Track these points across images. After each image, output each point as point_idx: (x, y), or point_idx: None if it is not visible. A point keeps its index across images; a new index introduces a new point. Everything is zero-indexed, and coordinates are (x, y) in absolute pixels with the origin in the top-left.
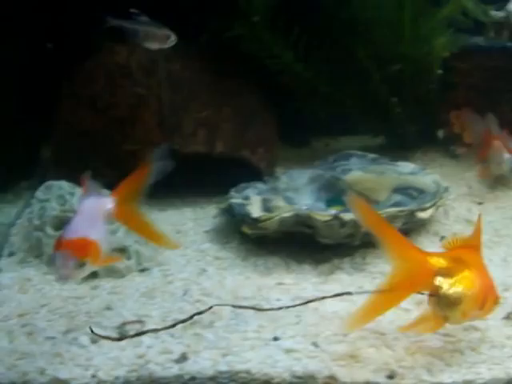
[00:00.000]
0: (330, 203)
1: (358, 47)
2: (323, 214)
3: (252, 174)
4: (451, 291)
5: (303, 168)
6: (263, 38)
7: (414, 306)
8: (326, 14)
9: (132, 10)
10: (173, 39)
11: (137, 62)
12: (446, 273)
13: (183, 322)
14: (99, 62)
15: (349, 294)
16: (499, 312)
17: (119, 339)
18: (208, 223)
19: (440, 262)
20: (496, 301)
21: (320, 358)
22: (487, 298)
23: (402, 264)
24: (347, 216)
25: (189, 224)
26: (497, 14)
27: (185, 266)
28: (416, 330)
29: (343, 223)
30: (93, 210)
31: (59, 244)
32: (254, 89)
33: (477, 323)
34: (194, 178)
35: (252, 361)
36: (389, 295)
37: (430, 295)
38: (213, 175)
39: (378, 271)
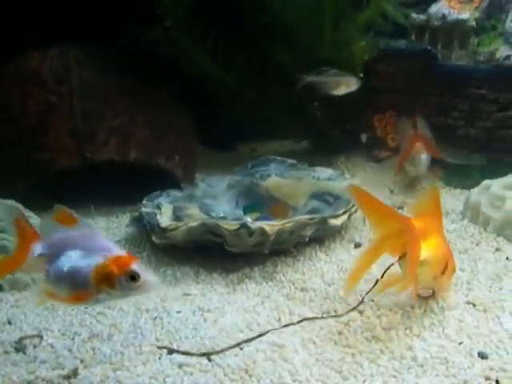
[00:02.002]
0: (247, 210)
1: (278, 51)
2: (230, 223)
3: (169, 181)
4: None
5: (228, 174)
6: (180, 42)
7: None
8: (246, 17)
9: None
10: (356, 83)
11: (49, 69)
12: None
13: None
14: (11, 68)
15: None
16: (401, 322)
17: None
18: (120, 232)
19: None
20: (454, 269)
21: (212, 372)
22: (448, 265)
23: (383, 229)
24: (254, 225)
25: (101, 233)
26: (418, 18)
27: None
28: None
29: (251, 232)
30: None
31: None
32: (170, 95)
33: (379, 333)
34: (112, 186)
35: (142, 376)
36: (371, 254)
37: (401, 257)
38: (131, 184)
39: (287, 280)
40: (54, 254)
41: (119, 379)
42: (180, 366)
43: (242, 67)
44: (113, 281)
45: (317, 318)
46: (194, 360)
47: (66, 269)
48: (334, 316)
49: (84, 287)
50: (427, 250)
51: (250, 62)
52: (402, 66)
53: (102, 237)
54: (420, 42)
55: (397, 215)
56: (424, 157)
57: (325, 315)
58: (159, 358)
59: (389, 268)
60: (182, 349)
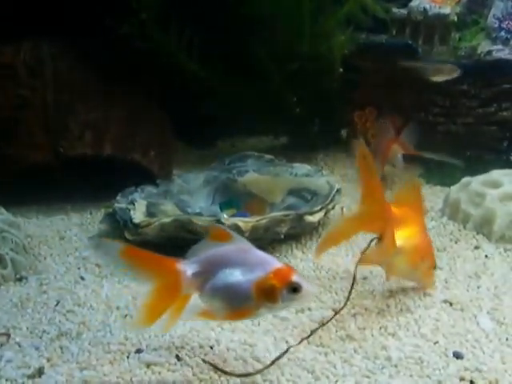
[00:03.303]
0: (223, 206)
1: (257, 45)
2: (204, 219)
3: (145, 177)
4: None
5: (206, 170)
6: (155, 36)
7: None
8: (224, 10)
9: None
10: (457, 72)
11: (22, 63)
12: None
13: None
14: None
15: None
16: (376, 321)
17: None
18: (94, 229)
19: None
20: (433, 265)
21: (181, 371)
22: (425, 256)
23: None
24: (228, 221)
25: (74, 230)
26: (399, 12)
27: (63, 275)
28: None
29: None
30: None
31: None
32: (147, 90)
33: (353, 332)
34: (88, 183)
35: (109, 375)
36: (349, 228)
37: (379, 238)
38: (107, 180)
39: None
40: (208, 272)
41: (85, 378)
42: (148, 365)
43: (219, 62)
44: (275, 295)
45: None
46: (162, 359)
47: (224, 286)
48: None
49: (245, 303)
50: (404, 239)
51: (228, 57)
52: (382, 61)
53: (257, 250)
54: (401, 36)
55: (380, 196)
56: (400, 157)
57: (299, 313)
58: (127, 357)
59: (369, 245)
60: (151, 347)
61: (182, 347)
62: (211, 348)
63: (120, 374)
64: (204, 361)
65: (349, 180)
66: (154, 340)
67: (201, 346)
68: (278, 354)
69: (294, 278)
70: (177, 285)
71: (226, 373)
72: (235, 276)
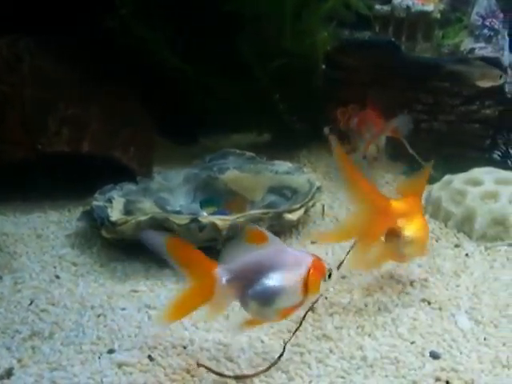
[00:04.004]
0: (204, 204)
1: (240, 42)
2: (181, 217)
3: (125, 174)
4: (409, 233)
5: (187, 167)
6: (136, 30)
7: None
8: (207, 6)
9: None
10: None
11: (0, 58)
12: (404, 216)
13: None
14: None
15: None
16: (353, 320)
17: None
18: (71, 226)
19: (400, 207)
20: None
21: (152, 372)
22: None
23: (367, 208)
24: (206, 219)
25: (51, 227)
26: (382, 9)
27: (38, 273)
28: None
29: (202, 227)
30: None
31: None
32: (128, 86)
33: (330, 332)
34: (69, 180)
35: (79, 376)
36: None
37: (388, 235)
38: (87, 177)
39: None
40: (245, 278)
41: (54, 379)
42: (120, 365)
43: (202, 58)
44: (318, 286)
45: None
46: (134, 359)
47: (271, 290)
48: None
49: (293, 302)
50: (413, 231)
51: (211, 54)
52: (365, 58)
53: (289, 248)
54: (384, 33)
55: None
56: (384, 139)
57: None
58: (99, 358)
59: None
60: (124, 348)
61: (155, 347)
62: (184, 348)
63: (91, 374)
64: (198, 364)
65: (331, 178)
66: (126, 340)
67: (174, 346)
68: (252, 354)
69: (327, 266)
70: (209, 289)
71: (221, 375)
72: (278, 278)
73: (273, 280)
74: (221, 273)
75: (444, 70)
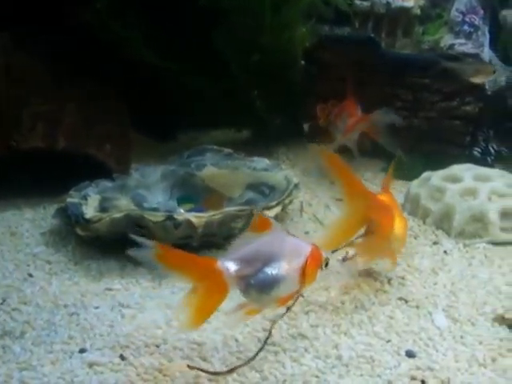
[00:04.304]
0: (181, 201)
1: (217, 37)
2: (156, 214)
3: (102, 171)
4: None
5: (164, 163)
6: (112, 26)
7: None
8: (183, 1)
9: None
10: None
11: None
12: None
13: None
14: None
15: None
16: (330, 319)
17: None
18: (46, 224)
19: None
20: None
21: (124, 371)
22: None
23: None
24: (181, 216)
25: (26, 225)
26: (361, 4)
27: (12, 272)
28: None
29: (177, 224)
30: None
31: None
32: (104, 82)
33: (305, 331)
34: (45, 177)
35: (48, 376)
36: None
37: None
38: (63, 174)
39: None
40: (247, 267)
41: (24, 380)
42: (90, 365)
43: (179, 53)
44: (316, 274)
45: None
46: (105, 359)
47: (271, 278)
48: None
49: (291, 289)
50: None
51: (188, 48)
52: (344, 54)
53: (289, 235)
54: (364, 29)
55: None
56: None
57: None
58: (70, 357)
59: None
60: (95, 347)
61: (127, 346)
62: (157, 347)
63: (61, 374)
64: (189, 366)
65: (310, 174)
66: (98, 339)
67: (146, 345)
68: (226, 352)
69: (324, 254)
70: (222, 284)
71: (216, 374)
72: (278, 267)
73: (273, 269)
74: (226, 265)
75: (438, 66)
